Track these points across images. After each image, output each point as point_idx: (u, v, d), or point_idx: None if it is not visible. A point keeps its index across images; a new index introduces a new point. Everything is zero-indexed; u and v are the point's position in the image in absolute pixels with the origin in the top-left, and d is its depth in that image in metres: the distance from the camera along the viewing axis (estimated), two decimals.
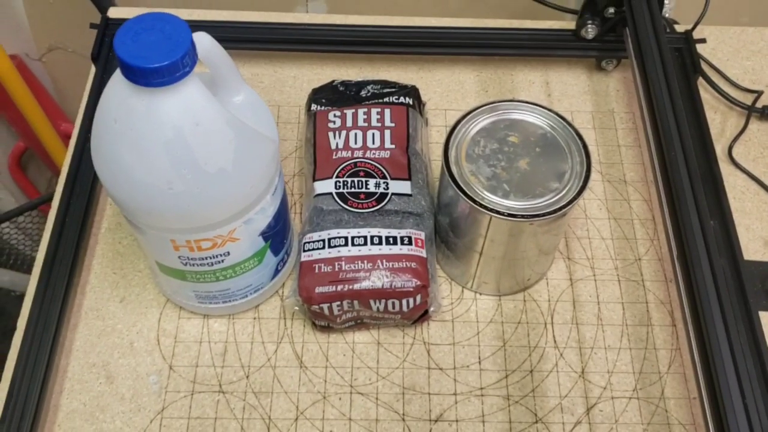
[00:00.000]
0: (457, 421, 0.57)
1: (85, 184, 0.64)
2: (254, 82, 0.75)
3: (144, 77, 0.42)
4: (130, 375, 0.59)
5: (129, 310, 0.62)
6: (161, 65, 0.41)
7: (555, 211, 0.53)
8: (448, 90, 0.75)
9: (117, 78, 0.44)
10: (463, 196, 0.54)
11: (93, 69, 0.72)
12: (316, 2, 1.10)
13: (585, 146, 0.56)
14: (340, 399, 0.58)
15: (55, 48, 1.13)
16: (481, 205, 0.53)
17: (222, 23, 0.74)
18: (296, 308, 0.58)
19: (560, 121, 0.57)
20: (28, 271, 0.97)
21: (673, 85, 0.59)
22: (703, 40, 0.73)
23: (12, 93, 1.08)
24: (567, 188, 0.54)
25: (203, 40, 0.45)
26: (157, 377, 0.59)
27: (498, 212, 0.53)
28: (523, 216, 0.53)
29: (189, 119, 0.43)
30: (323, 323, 0.59)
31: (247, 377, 0.59)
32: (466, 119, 0.57)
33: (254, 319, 0.61)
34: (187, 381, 0.58)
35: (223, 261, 0.53)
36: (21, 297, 0.63)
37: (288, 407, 0.57)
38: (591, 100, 0.75)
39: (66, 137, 1.15)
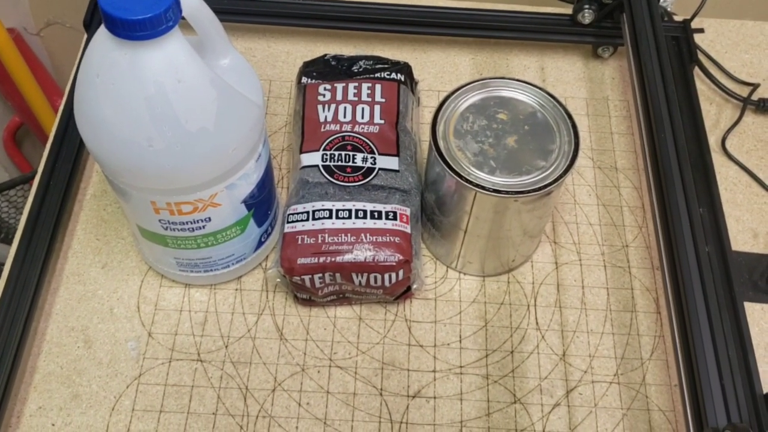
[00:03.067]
0: (434, 397, 0.57)
1: (71, 150, 0.64)
2: (247, 56, 0.75)
3: (126, 29, 0.41)
4: (108, 340, 0.58)
5: (110, 276, 0.61)
6: (144, 17, 0.41)
7: (540, 189, 0.53)
8: (442, 71, 0.75)
9: (101, 33, 0.44)
10: (449, 171, 0.53)
11: (85, 37, 0.72)
12: None
13: (574, 126, 0.55)
14: (318, 372, 0.57)
15: (53, 23, 1.13)
16: (466, 180, 0.53)
17: None
18: (278, 280, 0.58)
19: (550, 100, 0.56)
20: None
21: (666, 72, 0.58)
22: (701, 30, 0.73)
23: (9, 67, 1.08)
24: (554, 167, 0.54)
25: (188, 0, 0.45)
26: (135, 343, 0.58)
27: (483, 188, 0.53)
28: (507, 192, 0.53)
29: (171, 75, 0.43)
30: (305, 296, 0.58)
31: (226, 347, 0.58)
32: (455, 95, 0.57)
33: (236, 290, 0.61)
34: (166, 348, 0.58)
35: (204, 227, 0.53)
36: None
37: (266, 378, 0.57)
38: (586, 87, 0.74)
39: None
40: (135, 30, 0.41)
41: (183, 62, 0.43)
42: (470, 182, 0.53)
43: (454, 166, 0.53)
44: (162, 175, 0.47)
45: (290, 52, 0.75)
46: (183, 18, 0.45)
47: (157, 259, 0.59)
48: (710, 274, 0.52)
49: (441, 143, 0.55)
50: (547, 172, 0.54)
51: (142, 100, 0.43)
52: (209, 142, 0.46)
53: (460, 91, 0.57)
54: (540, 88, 0.57)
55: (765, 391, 0.53)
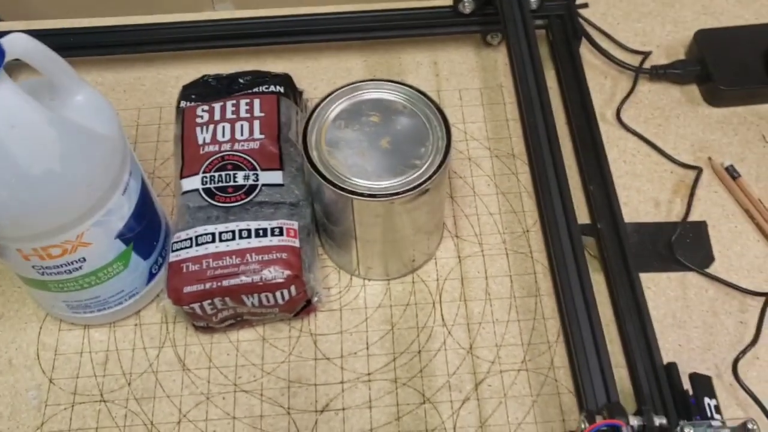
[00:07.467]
0: (343, 409, 0.56)
1: None
2: (136, 85, 0.74)
3: None
4: (8, 392, 0.57)
5: (7, 326, 0.60)
6: None
7: (416, 187, 0.52)
8: (335, 77, 0.74)
9: None
10: (323, 181, 0.53)
11: None
12: (222, 2, 1.09)
13: (445, 120, 0.55)
14: (223, 398, 0.57)
15: None
16: (341, 189, 0.52)
17: (97, 29, 0.73)
18: (174, 311, 0.57)
19: (421, 97, 0.56)
20: None
21: (535, 53, 0.58)
22: (585, 5, 0.73)
23: None
24: (428, 164, 0.53)
25: (18, 41, 0.44)
26: (36, 392, 0.57)
27: (358, 194, 0.52)
28: (384, 195, 0.52)
29: (2, 122, 0.42)
30: (202, 324, 0.58)
31: (129, 384, 0.57)
32: (325, 102, 0.56)
33: (135, 325, 0.60)
34: (68, 393, 0.57)
35: (81, 267, 0.52)
36: None
37: (170, 411, 0.56)
38: (479, 77, 0.74)
39: None
40: None
41: (14, 107, 0.42)
42: (345, 190, 0.52)
43: (328, 176, 0.53)
44: (17, 222, 0.46)
45: (180, 77, 0.74)
46: (18, 61, 0.44)
47: (49, 304, 0.58)
48: (581, 250, 0.52)
49: (313, 153, 0.54)
50: (423, 170, 0.53)
51: None
52: (58, 183, 0.45)
53: (329, 98, 0.56)
54: (409, 86, 0.56)
55: (670, 361, 0.53)
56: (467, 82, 0.74)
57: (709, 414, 0.45)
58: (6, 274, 0.63)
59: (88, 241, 0.50)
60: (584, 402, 0.43)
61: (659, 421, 0.42)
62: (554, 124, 0.54)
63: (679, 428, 0.41)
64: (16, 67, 0.52)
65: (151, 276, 0.58)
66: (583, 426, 0.41)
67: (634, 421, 0.41)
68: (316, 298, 0.59)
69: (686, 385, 0.50)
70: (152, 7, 0.83)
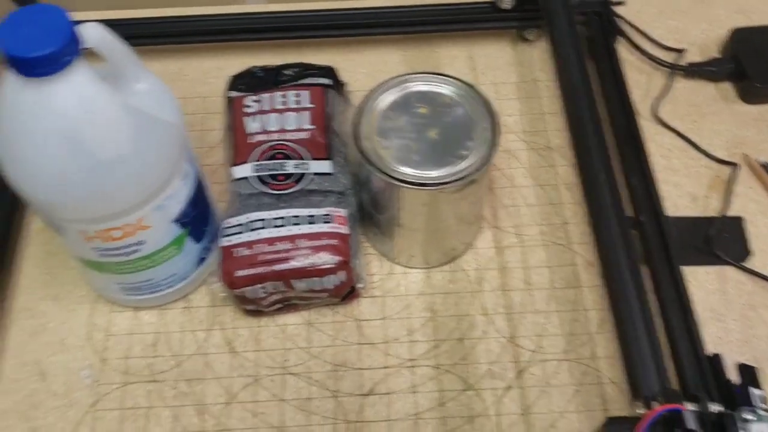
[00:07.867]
0: (388, 393, 0.57)
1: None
2: (179, 75, 0.75)
3: (26, 67, 0.42)
4: (62, 371, 0.59)
5: (61, 307, 0.62)
6: (42, 54, 0.41)
7: (463, 178, 0.53)
8: (375, 70, 0.76)
9: (8, 74, 0.44)
10: (373, 169, 0.54)
11: None
12: None
13: (492, 113, 0.56)
14: (272, 381, 0.58)
15: None
16: (391, 177, 0.54)
17: (141, 20, 0.74)
18: (223, 294, 0.59)
19: (468, 89, 0.57)
20: None
21: (579, 48, 0.59)
22: (621, 2, 0.74)
23: None
24: (476, 154, 0.55)
25: (93, 31, 0.45)
26: (89, 371, 0.59)
27: (408, 183, 0.53)
28: (432, 185, 0.53)
29: (79, 108, 0.44)
30: (251, 307, 0.59)
31: (179, 366, 0.59)
32: (375, 94, 0.58)
33: (184, 308, 0.61)
34: (119, 373, 0.59)
35: (138, 250, 0.53)
36: None
37: (219, 392, 0.58)
38: (515, 71, 0.75)
39: None
40: (35, 67, 0.42)
41: (90, 94, 0.44)
42: (395, 179, 0.54)
43: (378, 165, 0.54)
44: (84, 205, 0.47)
45: (222, 68, 0.75)
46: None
47: (103, 286, 0.59)
48: (631, 242, 0.53)
49: (365, 143, 0.55)
50: (470, 161, 0.54)
51: (53, 134, 0.44)
52: (127, 168, 0.47)
53: (378, 90, 0.58)
54: (457, 78, 0.58)
55: (714, 352, 0.54)
56: (503, 77, 0.75)
57: (755, 404, 0.46)
58: (58, 256, 0.64)
59: (148, 225, 0.51)
60: (640, 389, 0.45)
61: (716, 408, 0.43)
62: (599, 118, 0.56)
63: (737, 414, 0.42)
64: None
65: (201, 260, 0.60)
66: (640, 412, 0.42)
67: (691, 407, 0.42)
68: (360, 285, 0.60)
69: (728, 375, 0.51)
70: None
